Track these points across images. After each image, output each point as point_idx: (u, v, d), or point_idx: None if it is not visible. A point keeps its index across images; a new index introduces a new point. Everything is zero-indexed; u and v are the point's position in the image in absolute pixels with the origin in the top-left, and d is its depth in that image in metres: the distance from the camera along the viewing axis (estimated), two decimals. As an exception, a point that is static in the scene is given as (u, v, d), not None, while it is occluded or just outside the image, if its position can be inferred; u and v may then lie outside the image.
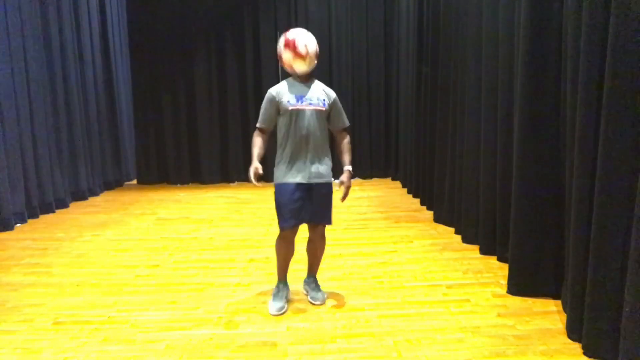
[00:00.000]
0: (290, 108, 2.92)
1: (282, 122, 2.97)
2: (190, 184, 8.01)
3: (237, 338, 2.75)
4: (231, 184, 7.91)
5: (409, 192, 6.62)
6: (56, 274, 3.81)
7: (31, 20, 5.65)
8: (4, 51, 5.19)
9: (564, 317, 2.83)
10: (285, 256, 3.14)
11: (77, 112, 6.53)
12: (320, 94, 3.01)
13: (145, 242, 4.67)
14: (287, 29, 3.06)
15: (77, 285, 3.57)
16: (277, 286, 3.18)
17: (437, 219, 5.08)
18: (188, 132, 7.94)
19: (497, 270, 3.64)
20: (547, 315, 2.91)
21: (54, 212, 5.94)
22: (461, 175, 4.43)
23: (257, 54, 7.77)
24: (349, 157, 3.09)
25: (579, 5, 2.50)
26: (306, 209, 2.97)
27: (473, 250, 4.10)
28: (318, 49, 2.97)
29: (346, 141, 3.12)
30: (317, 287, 3.26)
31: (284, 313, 3.03)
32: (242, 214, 5.76)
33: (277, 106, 2.97)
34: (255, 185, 2.83)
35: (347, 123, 3.15)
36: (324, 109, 2.99)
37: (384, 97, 7.97)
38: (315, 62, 2.98)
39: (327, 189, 3.03)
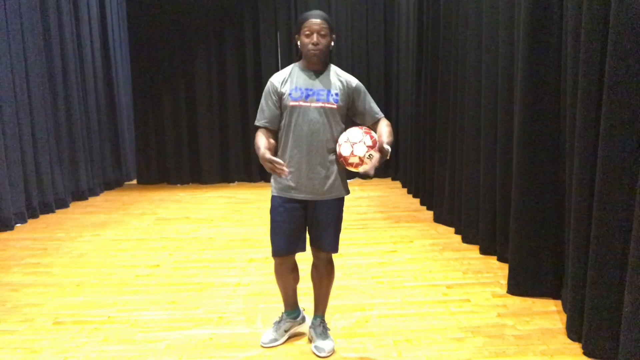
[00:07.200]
0: (290, 104, 2.39)
1: (282, 121, 2.44)
2: (190, 184, 8.00)
3: (237, 338, 2.75)
4: (231, 184, 7.90)
5: (409, 192, 6.61)
6: (56, 274, 3.81)
7: (31, 21, 5.65)
8: (4, 52, 5.19)
9: (564, 317, 2.83)
10: (285, 285, 2.64)
11: (77, 112, 6.52)
12: (332, 86, 2.42)
13: (145, 242, 4.67)
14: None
15: (77, 285, 3.57)
16: (281, 315, 2.76)
17: (437, 219, 5.08)
18: (188, 131, 7.93)
19: (497, 270, 3.64)
20: (547, 315, 2.91)
21: (54, 212, 5.94)
22: (461, 175, 4.43)
23: (257, 53, 7.77)
24: (389, 137, 2.35)
25: (579, 5, 2.50)
26: (303, 231, 2.50)
27: (473, 250, 4.10)
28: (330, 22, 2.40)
29: (385, 123, 2.46)
30: (324, 333, 2.61)
31: (275, 346, 2.65)
32: (242, 213, 5.75)
33: (278, 100, 2.44)
34: (282, 172, 2.20)
35: (380, 113, 2.52)
36: (334, 105, 2.41)
37: (384, 97, 7.95)
38: (331, 41, 2.39)
39: (332, 207, 2.48)
